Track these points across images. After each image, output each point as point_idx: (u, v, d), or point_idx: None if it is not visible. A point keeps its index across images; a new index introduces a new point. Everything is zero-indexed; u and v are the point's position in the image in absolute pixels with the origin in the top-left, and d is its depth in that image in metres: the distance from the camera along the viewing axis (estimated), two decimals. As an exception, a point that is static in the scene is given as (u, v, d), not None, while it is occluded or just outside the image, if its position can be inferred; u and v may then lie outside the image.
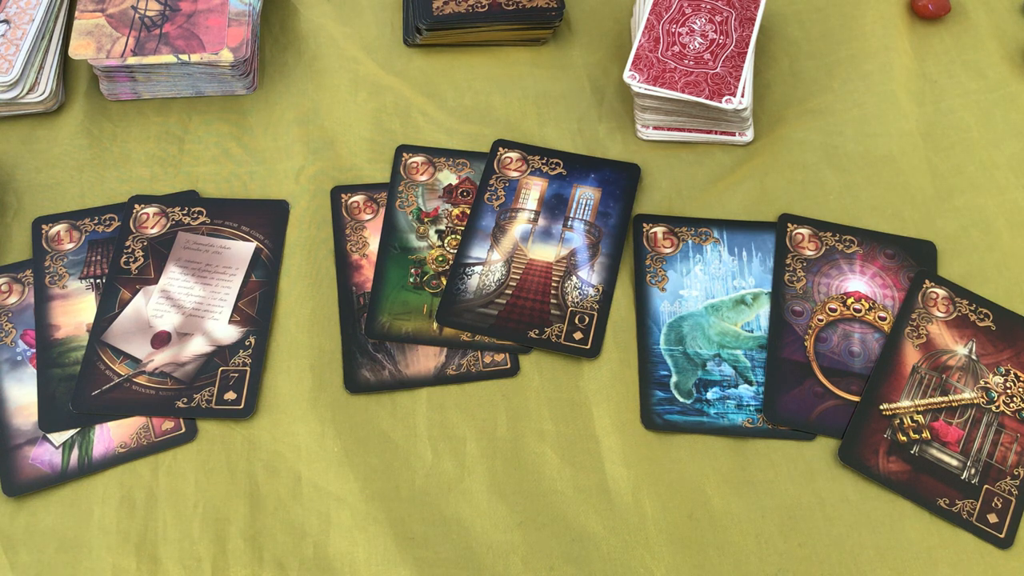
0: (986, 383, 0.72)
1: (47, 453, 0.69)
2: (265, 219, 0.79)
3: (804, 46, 0.90)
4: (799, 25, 0.92)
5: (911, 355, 0.73)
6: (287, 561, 0.66)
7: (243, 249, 0.78)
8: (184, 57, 0.81)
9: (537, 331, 0.74)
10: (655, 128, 0.84)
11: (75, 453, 0.69)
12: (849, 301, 0.76)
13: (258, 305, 0.75)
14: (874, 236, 0.79)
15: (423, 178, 0.82)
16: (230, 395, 0.71)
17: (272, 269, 0.77)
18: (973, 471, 0.68)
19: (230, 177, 0.82)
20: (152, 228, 0.78)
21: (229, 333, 0.74)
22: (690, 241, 0.79)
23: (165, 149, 0.83)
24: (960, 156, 0.84)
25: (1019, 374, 0.72)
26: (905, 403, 0.71)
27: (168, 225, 0.79)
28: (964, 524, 0.67)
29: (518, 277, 0.77)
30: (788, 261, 0.77)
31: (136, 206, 0.79)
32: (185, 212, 0.79)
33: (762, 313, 0.75)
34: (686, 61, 0.81)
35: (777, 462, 0.70)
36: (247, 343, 0.73)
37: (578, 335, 0.74)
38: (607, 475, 0.69)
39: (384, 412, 0.71)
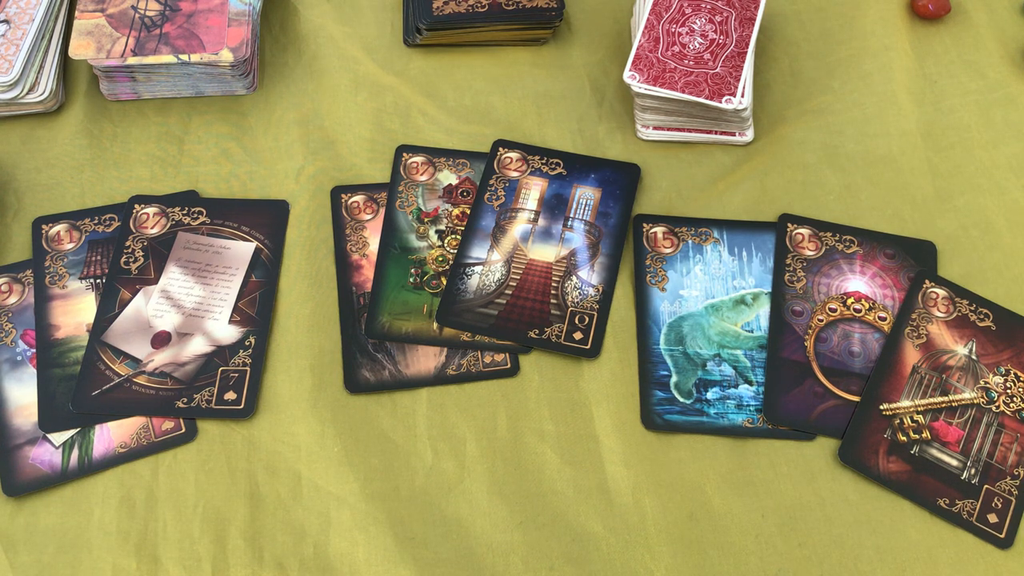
0: (986, 383, 0.72)
1: (47, 453, 0.69)
2: (265, 219, 0.79)
3: (804, 46, 0.90)
4: (799, 25, 0.92)
5: (911, 355, 0.73)
6: (287, 561, 0.66)
7: (243, 249, 0.78)
8: (184, 57, 0.81)
9: (537, 331, 0.74)
10: (655, 128, 0.84)
11: (75, 453, 0.69)
12: (849, 301, 0.76)
13: (258, 305, 0.75)
14: (874, 236, 0.79)
15: (423, 178, 0.82)
16: (230, 395, 0.71)
17: (272, 269, 0.77)
18: (973, 471, 0.69)
19: (230, 177, 0.82)
20: (152, 228, 0.78)
21: (229, 333, 0.74)
22: (690, 241, 0.79)
23: (165, 149, 0.83)
24: (960, 156, 0.84)
25: (1019, 374, 0.72)
26: (905, 403, 0.71)
27: (168, 225, 0.79)
28: (964, 524, 0.67)
29: (518, 277, 0.77)
30: (788, 261, 0.77)
31: (136, 206, 0.79)
32: (185, 212, 0.79)
33: (762, 313, 0.75)
34: (686, 61, 0.81)
35: (777, 462, 0.70)
36: (247, 343, 0.73)
37: (578, 335, 0.74)
38: (607, 475, 0.69)
39: (384, 412, 0.71)
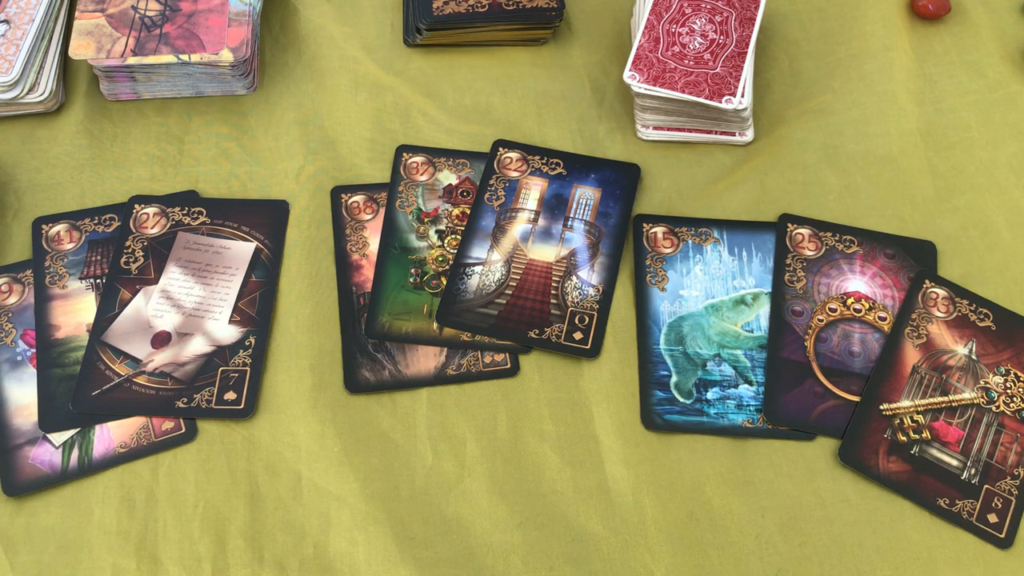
0: (986, 383, 0.72)
1: (47, 453, 0.69)
2: (265, 219, 0.79)
3: (804, 46, 0.90)
4: (799, 25, 0.92)
5: (911, 355, 0.73)
6: (287, 561, 0.66)
7: (243, 249, 0.78)
8: (184, 57, 0.81)
9: (537, 331, 0.74)
10: (655, 128, 0.84)
11: (75, 453, 0.69)
12: (849, 301, 0.76)
13: (258, 305, 0.75)
14: (874, 236, 0.79)
15: (423, 178, 0.82)
16: (230, 395, 0.71)
17: (272, 269, 0.77)
18: (973, 471, 0.69)
19: (230, 177, 0.82)
20: (152, 228, 0.78)
21: (229, 333, 0.74)
22: (690, 241, 0.79)
23: (165, 149, 0.83)
24: (960, 156, 0.84)
25: (1019, 374, 0.72)
26: (905, 403, 0.71)
27: (168, 225, 0.79)
28: (964, 524, 0.67)
29: (518, 277, 0.77)
30: (788, 261, 0.77)
31: (136, 206, 0.79)
32: (185, 212, 0.79)
33: (762, 313, 0.75)
34: (686, 61, 0.81)
35: (777, 462, 0.70)
36: (247, 343, 0.73)
37: (578, 335, 0.74)
38: (607, 475, 0.69)
39: (384, 412, 0.71)
